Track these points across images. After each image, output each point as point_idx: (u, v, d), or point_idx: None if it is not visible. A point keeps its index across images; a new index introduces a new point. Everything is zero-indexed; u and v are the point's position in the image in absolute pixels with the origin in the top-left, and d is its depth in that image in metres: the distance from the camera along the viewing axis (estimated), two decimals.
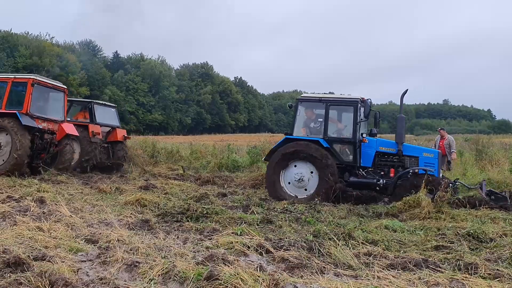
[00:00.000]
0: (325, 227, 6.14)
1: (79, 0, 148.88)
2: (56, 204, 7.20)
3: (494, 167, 13.29)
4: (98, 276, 4.02)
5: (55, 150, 11.76)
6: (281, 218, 7.02)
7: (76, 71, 63.12)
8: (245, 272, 3.95)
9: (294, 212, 7.65)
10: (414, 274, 4.30)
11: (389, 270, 4.47)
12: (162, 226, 6.33)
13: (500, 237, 5.86)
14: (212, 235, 5.69)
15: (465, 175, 12.11)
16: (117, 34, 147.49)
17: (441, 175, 9.42)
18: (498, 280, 4.14)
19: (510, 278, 4.20)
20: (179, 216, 6.84)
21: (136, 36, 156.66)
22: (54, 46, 65.27)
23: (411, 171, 9.00)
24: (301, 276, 4.21)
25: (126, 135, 15.17)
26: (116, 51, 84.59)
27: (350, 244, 5.30)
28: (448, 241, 5.65)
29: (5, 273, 3.92)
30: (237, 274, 3.86)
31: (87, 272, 4.13)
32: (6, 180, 9.92)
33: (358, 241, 5.45)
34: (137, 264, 4.28)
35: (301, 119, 10.18)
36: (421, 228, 6.51)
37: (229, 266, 4.11)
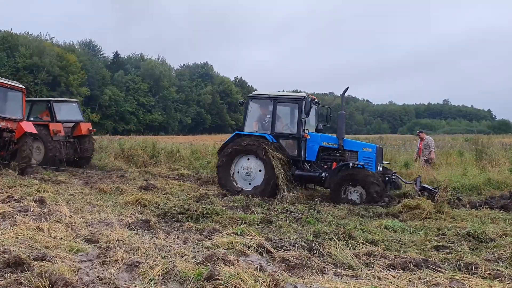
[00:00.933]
0: (325, 227, 6.14)
1: (80, 0, 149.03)
2: (56, 204, 7.21)
3: (494, 167, 13.27)
4: (98, 276, 4.02)
5: (14, 148, 12.10)
6: (281, 218, 7.02)
7: (76, 71, 63.06)
8: (245, 272, 3.95)
9: (294, 212, 7.65)
10: (414, 274, 4.31)
11: (389, 270, 4.47)
12: (162, 226, 6.33)
13: (500, 237, 5.86)
14: (212, 235, 5.70)
15: (465, 175, 12.11)
16: (117, 34, 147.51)
17: (380, 168, 9.93)
18: (498, 280, 4.14)
19: (510, 278, 4.20)
20: (179, 216, 6.84)
21: (136, 36, 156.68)
22: (54, 46, 65.18)
23: (351, 164, 9.41)
24: (301, 276, 4.21)
25: (90, 128, 15.44)
26: (116, 51, 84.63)
27: (350, 244, 5.30)
28: (448, 241, 5.66)
29: (5, 273, 3.92)
30: (237, 274, 3.86)
31: (87, 272, 4.13)
32: (6, 180, 9.92)
33: (358, 241, 5.45)
34: (137, 264, 4.28)
35: (252, 116, 10.68)
36: (421, 228, 6.51)
37: (229, 266, 4.11)
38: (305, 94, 10.25)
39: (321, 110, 11.59)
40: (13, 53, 56.37)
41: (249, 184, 10.03)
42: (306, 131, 9.96)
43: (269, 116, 10.34)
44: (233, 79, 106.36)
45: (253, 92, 11.12)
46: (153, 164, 15.71)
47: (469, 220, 7.01)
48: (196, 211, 6.93)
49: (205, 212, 6.93)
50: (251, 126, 10.56)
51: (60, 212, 6.58)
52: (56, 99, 15.80)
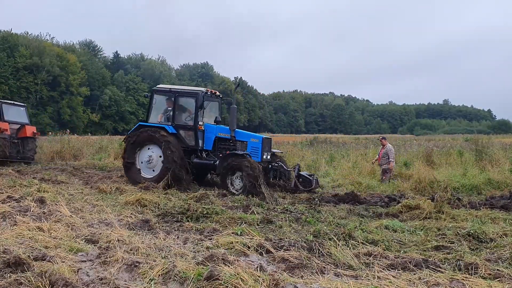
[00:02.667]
0: (325, 227, 6.14)
1: (80, 0, 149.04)
2: (56, 204, 7.20)
3: (494, 167, 13.27)
4: (98, 276, 4.02)
5: None
6: (281, 218, 7.01)
7: (76, 71, 63.08)
8: (245, 272, 3.95)
9: (294, 212, 7.65)
10: (414, 274, 4.30)
11: (389, 270, 4.47)
12: (162, 226, 6.33)
13: (500, 237, 5.86)
14: (212, 235, 5.69)
15: (465, 175, 12.11)
16: (118, 34, 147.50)
17: (268, 157, 10.86)
18: (498, 280, 4.13)
19: (510, 278, 4.20)
20: (179, 216, 6.84)
21: (137, 36, 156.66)
22: (54, 46, 65.19)
23: (240, 153, 10.22)
24: (301, 276, 4.21)
25: (35, 132, 16.29)
26: (116, 51, 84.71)
27: (350, 244, 5.30)
28: (448, 241, 5.66)
29: (5, 273, 3.91)
30: (237, 274, 3.86)
31: (87, 272, 4.13)
32: (6, 180, 9.93)
33: (358, 241, 5.45)
34: (137, 264, 4.28)
35: (157, 108, 11.44)
36: (421, 228, 6.51)
37: (229, 266, 4.11)
38: (203, 89, 11.07)
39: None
40: (13, 53, 56.36)
41: (153, 171, 10.69)
42: (200, 123, 10.81)
43: (171, 108, 11.05)
44: (233, 79, 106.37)
45: (157, 86, 11.91)
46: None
47: (469, 220, 7.01)
48: (196, 211, 6.93)
49: (205, 212, 6.93)
50: (155, 118, 11.28)
51: (60, 212, 6.58)
52: (5, 101, 16.73)
